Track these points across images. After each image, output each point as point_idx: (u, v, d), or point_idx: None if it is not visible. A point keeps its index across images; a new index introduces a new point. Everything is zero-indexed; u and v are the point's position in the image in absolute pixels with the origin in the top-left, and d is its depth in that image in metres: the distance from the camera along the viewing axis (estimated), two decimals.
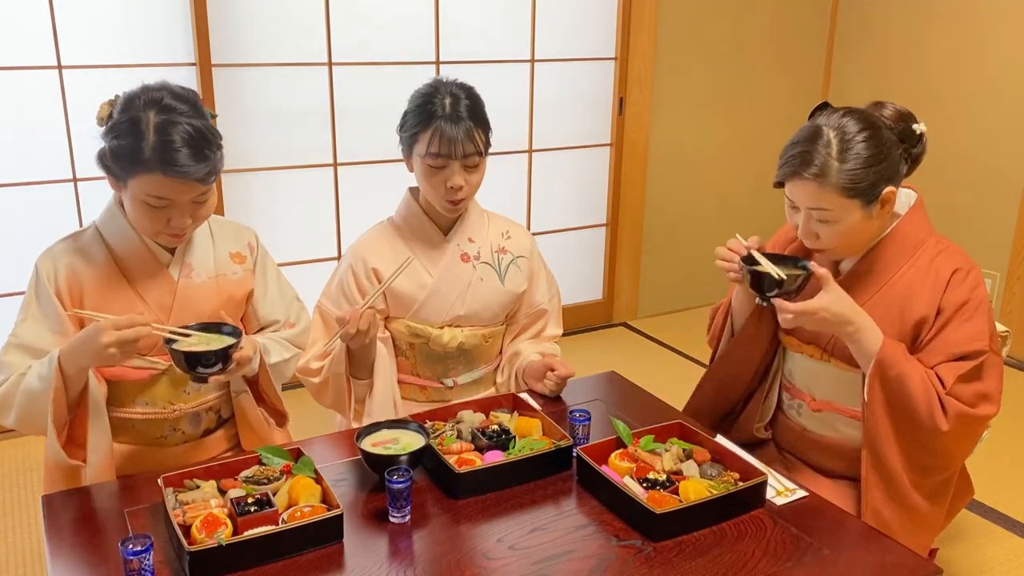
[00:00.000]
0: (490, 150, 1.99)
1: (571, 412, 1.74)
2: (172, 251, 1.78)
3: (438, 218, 2.05)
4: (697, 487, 1.50)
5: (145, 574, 1.28)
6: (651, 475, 1.55)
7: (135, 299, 1.73)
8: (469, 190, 1.97)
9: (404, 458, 1.53)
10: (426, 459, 1.62)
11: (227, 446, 1.93)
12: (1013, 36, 3.66)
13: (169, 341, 1.60)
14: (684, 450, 1.63)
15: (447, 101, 1.90)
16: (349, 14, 3.27)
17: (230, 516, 1.39)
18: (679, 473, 1.57)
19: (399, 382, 2.06)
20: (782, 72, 4.32)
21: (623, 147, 4.03)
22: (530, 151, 3.85)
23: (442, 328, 2.03)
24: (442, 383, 2.08)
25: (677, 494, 1.50)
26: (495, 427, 1.71)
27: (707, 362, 2.06)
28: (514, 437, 1.68)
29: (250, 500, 1.42)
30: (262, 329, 1.92)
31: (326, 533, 1.41)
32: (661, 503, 1.46)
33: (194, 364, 1.58)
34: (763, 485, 1.55)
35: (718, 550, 1.42)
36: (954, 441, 1.67)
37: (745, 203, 4.36)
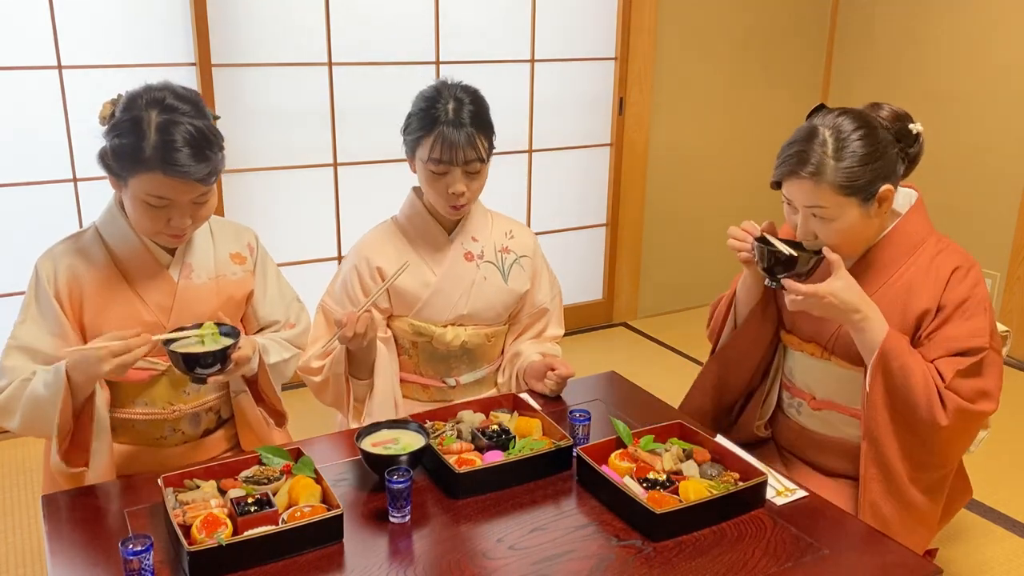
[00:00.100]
0: (492, 154, 1.99)
1: (571, 412, 1.74)
2: (172, 252, 1.77)
3: (442, 218, 2.05)
4: (697, 487, 1.50)
5: (145, 574, 1.28)
6: (651, 475, 1.55)
7: (135, 300, 1.73)
8: (471, 196, 1.97)
9: (404, 458, 1.53)
10: (426, 459, 1.62)
11: (227, 446, 1.93)
12: (1013, 36, 3.66)
13: (168, 342, 1.60)
14: (684, 450, 1.63)
15: (451, 106, 1.90)
16: (349, 14, 3.27)
17: (230, 516, 1.39)
18: (679, 473, 1.57)
19: (401, 381, 2.07)
20: (782, 72, 4.32)
21: (623, 147, 4.03)
22: (530, 151, 3.85)
23: (445, 327, 2.04)
24: (444, 382, 2.08)
25: (677, 494, 1.50)
26: (495, 427, 1.71)
27: (707, 357, 2.05)
28: (514, 437, 1.68)
29: (250, 500, 1.42)
30: (262, 330, 1.92)
31: (326, 533, 1.41)
32: (661, 503, 1.46)
33: (192, 365, 1.58)
34: (763, 485, 1.55)
35: (718, 550, 1.42)
36: (951, 436, 1.67)
37: (745, 203, 4.36)
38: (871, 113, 1.71)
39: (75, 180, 2.98)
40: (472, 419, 1.74)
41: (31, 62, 2.84)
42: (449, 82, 1.97)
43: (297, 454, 1.55)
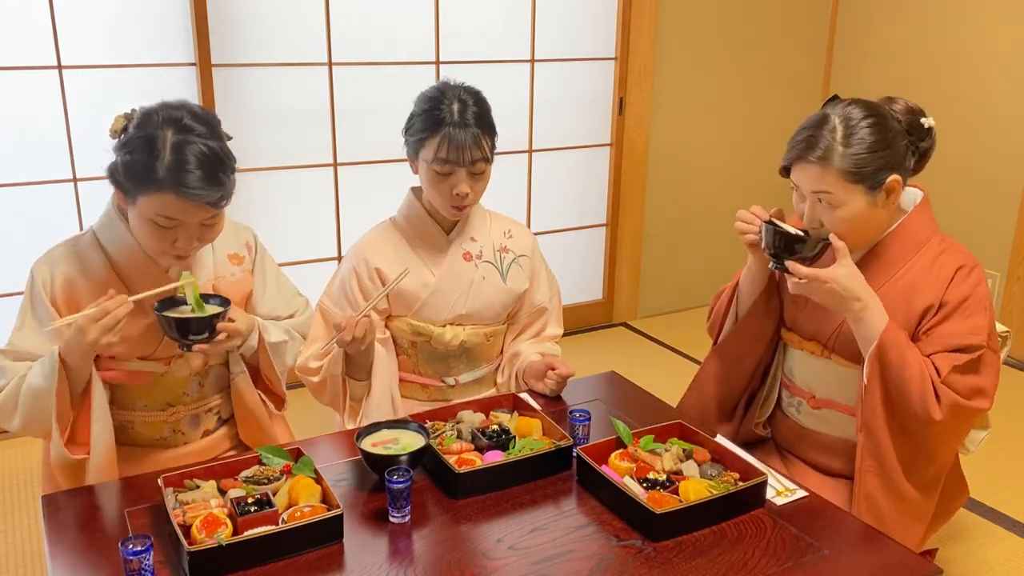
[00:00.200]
0: (495, 154, 1.99)
1: (571, 412, 1.74)
2: None
3: (441, 218, 2.05)
4: (697, 487, 1.50)
5: (145, 574, 1.28)
6: (651, 475, 1.55)
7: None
8: (474, 197, 1.97)
9: (404, 458, 1.53)
10: (426, 459, 1.62)
11: (227, 446, 1.93)
12: (1013, 36, 3.65)
13: (159, 309, 1.61)
14: (684, 450, 1.63)
15: (455, 107, 1.90)
16: (349, 14, 3.27)
17: (230, 516, 1.39)
18: (679, 473, 1.57)
19: (400, 381, 2.07)
20: (782, 72, 4.32)
21: (623, 147, 4.02)
22: (530, 151, 3.85)
23: (444, 327, 2.03)
24: (443, 382, 2.08)
25: (677, 494, 1.50)
26: (495, 427, 1.71)
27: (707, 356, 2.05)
28: (514, 437, 1.68)
29: (250, 500, 1.42)
30: None
31: (326, 533, 1.41)
32: (661, 503, 1.46)
33: (183, 331, 1.61)
34: (763, 485, 1.55)
35: (718, 550, 1.42)
36: (944, 432, 1.68)
37: (745, 203, 4.31)
38: (885, 105, 1.72)
39: (75, 180, 2.98)
40: (472, 419, 1.74)
41: (31, 62, 2.84)
42: (452, 83, 1.96)
43: (297, 454, 1.55)
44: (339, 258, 3.51)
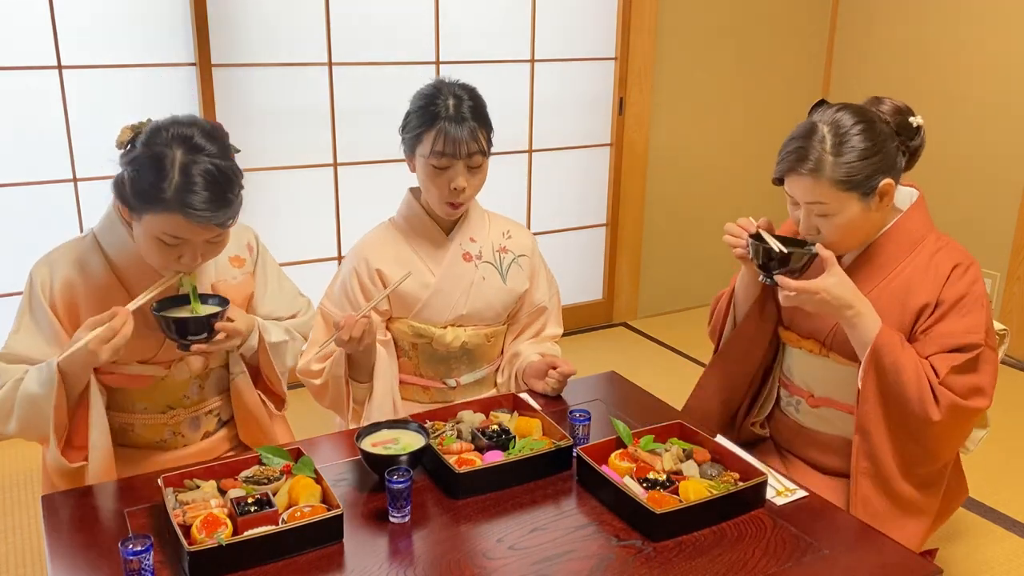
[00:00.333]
0: (491, 150, 1.99)
1: (571, 412, 1.74)
2: None
3: (440, 218, 2.05)
4: (697, 487, 1.50)
5: (145, 574, 1.28)
6: (651, 475, 1.55)
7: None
8: (471, 192, 1.97)
9: (404, 458, 1.53)
10: (426, 459, 1.62)
11: (227, 447, 1.93)
12: (1013, 36, 3.65)
13: (157, 309, 1.61)
14: (684, 450, 1.63)
15: (450, 102, 1.90)
16: (349, 14, 3.27)
17: (230, 516, 1.39)
18: (679, 473, 1.57)
19: (401, 383, 2.07)
20: (782, 72, 4.32)
21: (623, 147, 4.02)
22: (530, 151, 3.85)
23: (445, 328, 2.03)
24: (445, 383, 2.08)
25: (677, 494, 1.50)
26: (495, 427, 1.71)
27: (707, 361, 2.05)
28: (514, 437, 1.68)
29: (250, 500, 1.42)
30: None
31: (326, 533, 1.41)
32: (661, 503, 1.46)
33: (182, 331, 1.61)
34: (763, 485, 1.55)
35: (718, 550, 1.42)
36: (944, 432, 1.68)
37: (745, 203, 4.35)
38: (872, 107, 1.72)
39: (75, 180, 2.98)
40: (472, 419, 1.74)
41: (31, 62, 2.84)
42: (447, 80, 1.97)
43: (297, 454, 1.55)
44: (339, 258, 3.51)
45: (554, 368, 1.96)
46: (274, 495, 1.45)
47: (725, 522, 1.49)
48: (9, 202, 2.91)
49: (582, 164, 4.00)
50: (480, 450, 1.64)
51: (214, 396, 1.88)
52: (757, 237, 1.75)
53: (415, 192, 2.07)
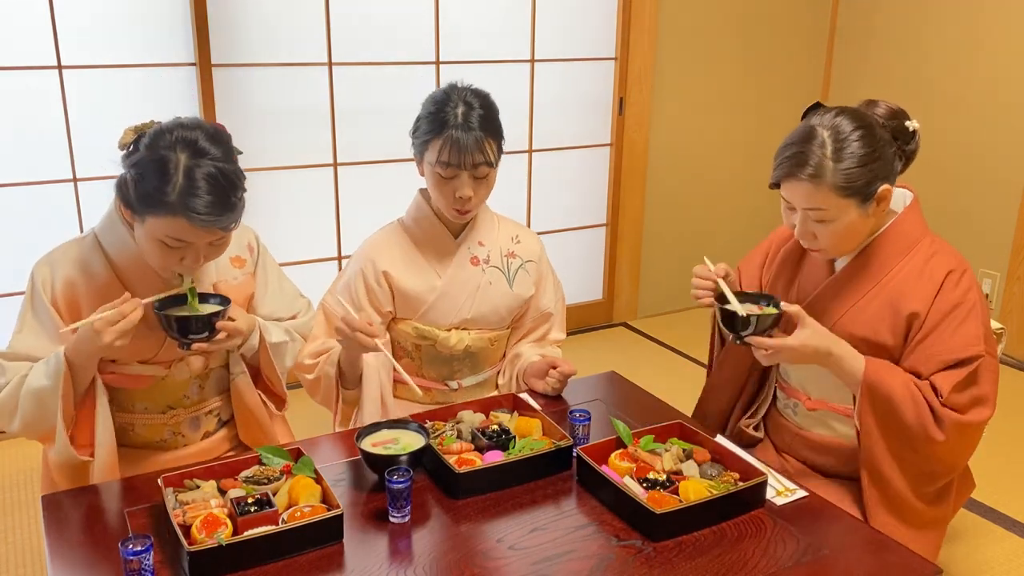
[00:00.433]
0: (501, 158, 1.97)
1: (571, 412, 1.74)
2: None
3: (449, 221, 2.04)
4: (697, 487, 1.50)
5: (145, 574, 1.28)
6: (651, 475, 1.55)
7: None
8: (477, 201, 1.96)
9: (404, 458, 1.53)
10: (426, 459, 1.62)
11: (228, 447, 1.93)
12: (1013, 36, 3.65)
13: (159, 307, 1.61)
14: (684, 450, 1.63)
15: (460, 110, 1.88)
16: (349, 14, 3.27)
17: (230, 516, 1.39)
18: (679, 473, 1.57)
19: (403, 384, 2.06)
20: (782, 72, 4.32)
21: (623, 147, 4.02)
22: (530, 151, 3.85)
23: (449, 331, 2.03)
24: (447, 385, 2.08)
25: (677, 494, 1.50)
26: (495, 427, 1.71)
27: (707, 361, 2.06)
28: (514, 437, 1.68)
29: (250, 500, 1.42)
30: None
31: (326, 533, 1.41)
32: (661, 503, 1.46)
33: (184, 330, 1.61)
34: (763, 485, 1.55)
35: (718, 550, 1.42)
36: (952, 449, 1.67)
37: (745, 203, 4.36)
38: (867, 111, 1.71)
39: (75, 180, 2.98)
40: (472, 419, 1.74)
41: (31, 62, 2.84)
42: (459, 85, 1.95)
43: (297, 454, 1.55)
44: (339, 258, 3.51)
45: (554, 368, 1.96)
46: (274, 495, 1.45)
47: (725, 522, 1.49)
48: (9, 202, 2.91)
49: (582, 164, 4.00)
50: (480, 450, 1.65)
51: (214, 396, 1.88)
52: (721, 299, 1.72)
53: (425, 193, 2.05)
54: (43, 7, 2.81)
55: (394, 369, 1.91)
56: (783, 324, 1.70)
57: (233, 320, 1.68)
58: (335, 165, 3.41)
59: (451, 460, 1.57)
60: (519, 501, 1.55)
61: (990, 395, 1.68)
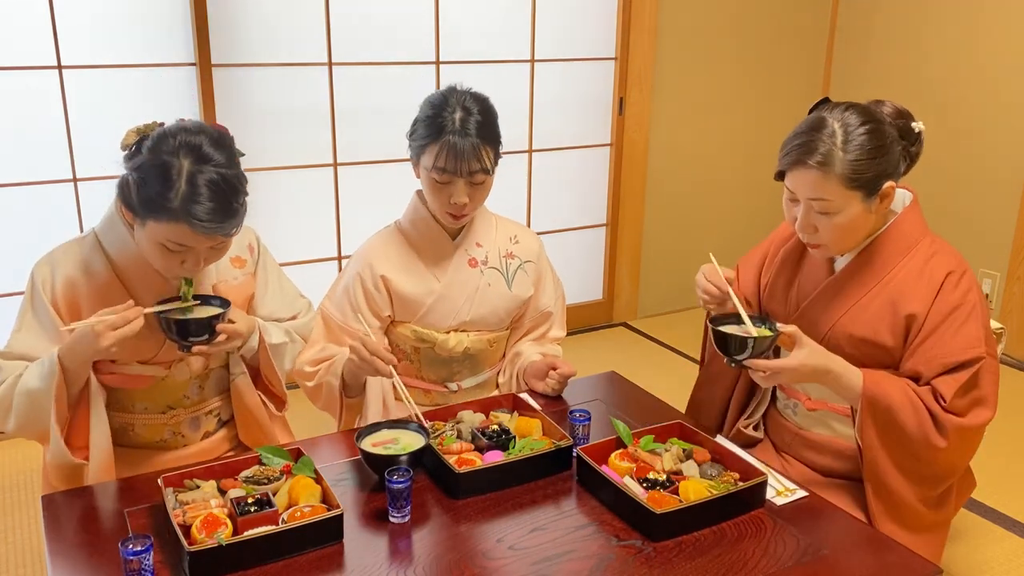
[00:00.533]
0: (498, 163, 1.96)
1: (571, 412, 1.74)
2: None
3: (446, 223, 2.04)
4: (697, 487, 1.50)
5: (145, 574, 1.28)
6: (651, 475, 1.55)
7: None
8: (473, 206, 1.95)
9: (404, 458, 1.53)
10: (426, 459, 1.62)
11: (228, 447, 1.93)
12: (1013, 36, 3.65)
13: (160, 312, 1.61)
14: (684, 450, 1.63)
15: (457, 115, 1.87)
16: (349, 14, 3.27)
17: (230, 516, 1.39)
18: (679, 473, 1.57)
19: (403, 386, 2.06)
20: (782, 72, 4.32)
21: (623, 147, 4.02)
22: (530, 151, 3.85)
23: (448, 333, 2.03)
24: (446, 387, 2.07)
25: (677, 494, 1.50)
26: (495, 427, 1.71)
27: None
28: (514, 437, 1.68)
29: (250, 500, 1.42)
30: None
31: (326, 533, 1.41)
32: (661, 503, 1.46)
33: (183, 333, 1.61)
34: (763, 485, 1.55)
35: (718, 550, 1.42)
36: (954, 453, 1.67)
37: (745, 203, 4.36)
38: (875, 109, 1.71)
39: (75, 180, 2.98)
40: (472, 419, 1.74)
41: (31, 62, 2.84)
42: (458, 89, 1.93)
43: (297, 454, 1.55)
44: (339, 258, 3.51)
45: (554, 369, 1.96)
46: (274, 495, 1.45)
47: (725, 522, 1.49)
48: (9, 202, 2.91)
49: (582, 164, 4.00)
50: (480, 450, 1.64)
51: (214, 396, 1.88)
52: (715, 321, 1.70)
53: (422, 195, 2.04)
54: (43, 7, 2.81)
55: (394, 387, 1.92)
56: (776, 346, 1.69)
57: (233, 322, 1.68)
58: (335, 165, 3.41)
59: (451, 460, 1.57)
60: (519, 501, 1.55)
61: (991, 397, 1.68)
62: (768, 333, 1.65)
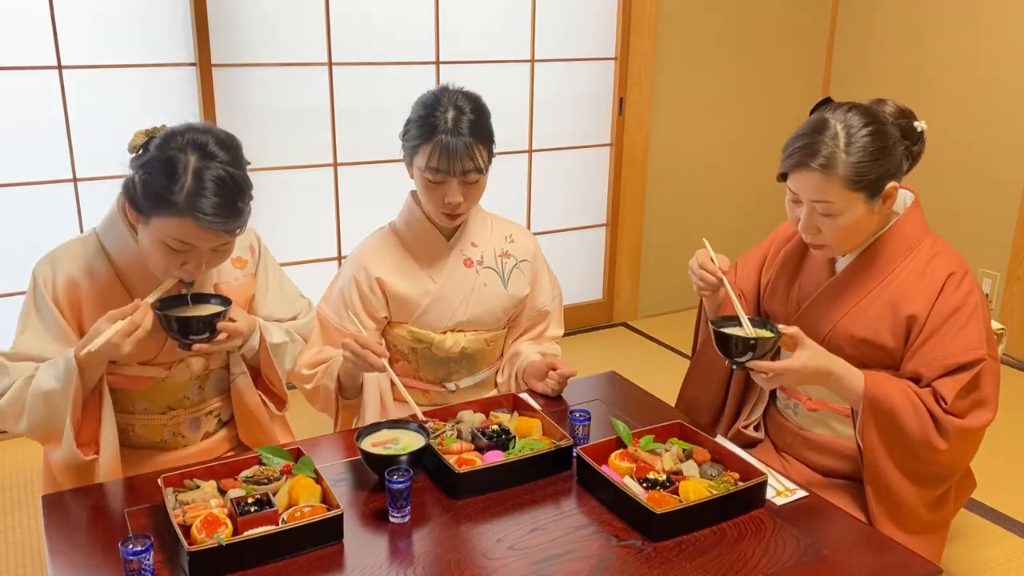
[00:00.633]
0: (491, 162, 1.96)
1: (571, 412, 1.74)
2: None
3: (440, 224, 2.04)
4: (697, 487, 1.50)
5: (145, 574, 1.28)
6: (651, 475, 1.55)
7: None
8: (467, 206, 1.95)
9: (404, 458, 1.53)
10: (426, 459, 1.62)
11: (227, 448, 1.93)
12: (1013, 36, 3.66)
13: (161, 308, 1.61)
14: (684, 450, 1.63)
15: (450, 115, 1.87)
16: (349, 14, 3.27)
17: (230, 516, 1.39)
18: (679, 473, 1.57)
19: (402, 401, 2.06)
20: (782, 72, 4.32)
21: (623, 147, 4.03)
22: (530, 151, 3.85)
23: (445, 333, 2.03)
24: (444, 387, 2.07)
25: (677, 494, 1.50)
26: (495, 427, 1.71)
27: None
28: (514, 437, 1.68)
29: (250, 500, 1.42)
30: None
31: (326, 533, 1.41)
32: (661, 503, 1.46)
33: (185, 331, 1.61)
34: (763, 485, 1.55)
35: (718, 550, 1.42)
36: (955, 454, 1.67)
37: (744, 203, 4.36)
38: (877, 108, 1.71)
39: (75, 180, 2.98)
40: (472, 419, 1.74)
41: (31, 62, 2.84)
42: (450, 88, 1.93)
43: (297, 454, 1.55)
44: (339, 258, 3.51)
45: (554, 370, 1.96)
46: (274, 495, 1.45)
47: (725, 522, 1.49)
48: (9, 202, 2.91)
49: (582, 164, 4.00)
50: (480, 450, 1.64)
51: (214, 397, 1.88)
52: (717, 323, 1.70)
53: (416, 196, 2.04)
54: (43, 7, 2.81)
55: (392, 385, 1.91)
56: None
57: (234, 321, 1.68)
58: (335, 165, 3.41)
59: (451, 460, 1.57)
60: (519, 501, 1.55)
61: (992, 398, 1.68)
62: (770, 335, 1.65)
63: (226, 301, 1.68)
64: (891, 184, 1.66)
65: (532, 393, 1.99)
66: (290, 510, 1.42)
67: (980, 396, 1.66)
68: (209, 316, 1.63)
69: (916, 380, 1.68)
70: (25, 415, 1.62)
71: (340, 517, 1.42)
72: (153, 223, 1.57)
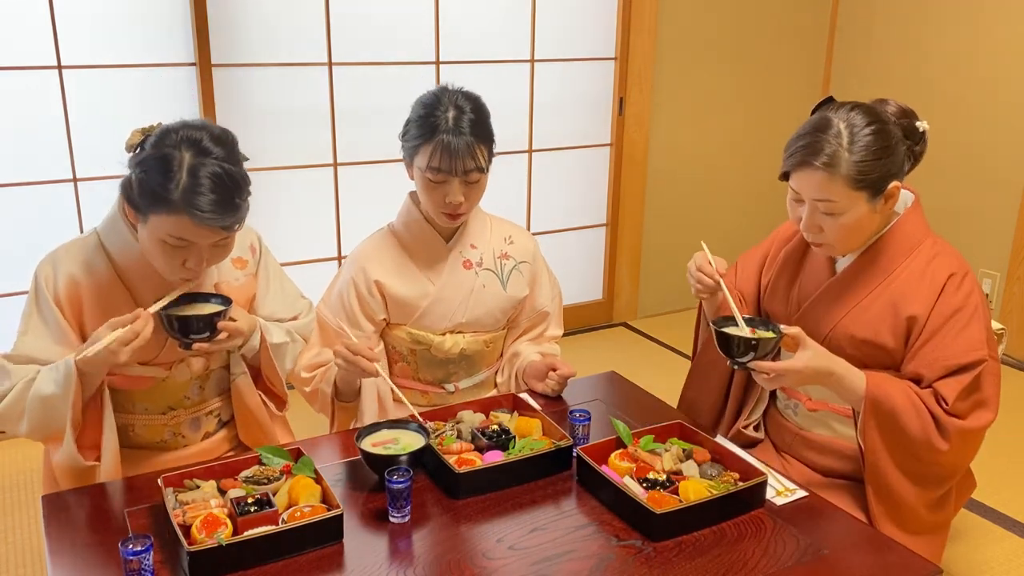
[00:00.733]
0: (492, 162, 1.96)
1: (571, 412, 1.74)
2: None
3: (439, 224, 2.03)
4: (697, 487, 1.50)
5: (145, 574, 1.28)
6: (651, 475, 1.55)
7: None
8: (468, 205, 1.94)
9: (404, 458, 1.53)
10: (426, 459, 1.62)
11: (227, 448, 1.93)
12: (1013, 36, 3.66)
13: (162, 310, 1.61)
14: (684, 450, 1.63)
15: (450, 114, 1.86)
16: (349, 14, 3.27)
17: (230, 516, 1.39)
18: (679, 473, 1.57)
19: (400, 387, 2.06)
20: (782, 72, 4.32)
21: (623, 147, 4.03)
22: (530, 151, 3.85)
23: (444, 335, 2.02)
24: (443, 388, 2.07)
25: (677, 494, 1.50)
26: (495, 427, 1.71)
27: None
28: (514, 437, 1.68)
29: (250, 500, 1.42)
30: None
31: (326, 533, 1.41)
32: (661, 503, 1.46)
33: (185, 330, 1.61)
34: (763, 485, 1.55)
35: (718, 550, 1.42)
36: (956, 455, 1.67)
37: (744, 203, 4.36)
38: (879, 108, 1.71)
39: (75, 180, 2.98)
40: (472, 419, 1.74)
41: (31, 62, 2.84)
42: (450, 88, 1.93)
43: (297, 454, 1.55)
44: (339, 258, 3.51)
45: (554, 370, 1.96)
46: (274, 495, 1.45)
47: (725, 522, 1.49)
48: (9, 202, 2.91)
49: (582, 164, 4.00)
50: (480, 450, 1.64)
51: (215, 397, 1.88)
52: (718, 323, 1.69)
53: (415, 197, 2.04)
54: (43, 7, 2.81)
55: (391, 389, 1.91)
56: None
57: (234, 320, 1.68)
58: (335, 165, 3.41)
59: (451, 460, 1.57)
60: (519, 501, 1.55)
61: (992, 399, 1.68)
62: (772, 335, 1.65)
63: (227, 300, 1.68)
64: (893, 184, 1.66)
65: (532, 393, 1.99)
66: (290, 510, 1.42)
67: (981, 397, 1.66)
68: (209, 315, 1.63)
69: (917, 381, 1.68)
70: (25, 418, 1.62)
71: (340, 517, 1.42)
72: (151, 221, 1.57)
